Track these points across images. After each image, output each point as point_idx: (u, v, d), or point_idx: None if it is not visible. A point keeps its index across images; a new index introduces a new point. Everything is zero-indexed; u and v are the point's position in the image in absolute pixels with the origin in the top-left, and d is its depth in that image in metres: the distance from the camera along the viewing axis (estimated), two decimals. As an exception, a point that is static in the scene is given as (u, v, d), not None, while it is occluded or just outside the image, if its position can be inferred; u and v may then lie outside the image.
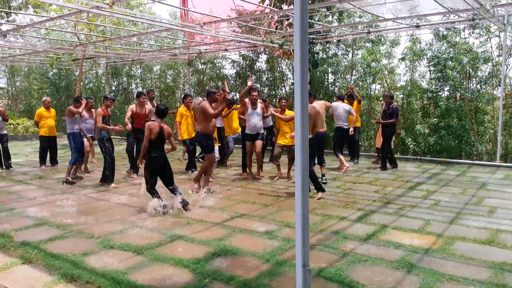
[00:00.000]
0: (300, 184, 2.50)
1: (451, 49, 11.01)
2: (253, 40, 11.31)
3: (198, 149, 8.90)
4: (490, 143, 11.01)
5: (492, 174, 8.99)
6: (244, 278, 3.71)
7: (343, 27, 11.61)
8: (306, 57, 2.46)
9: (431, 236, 4.86)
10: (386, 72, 12.47)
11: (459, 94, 11.26)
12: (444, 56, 11.09)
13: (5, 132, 10.08)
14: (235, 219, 5.63)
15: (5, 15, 20.04)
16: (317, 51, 12.90)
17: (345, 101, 10.12)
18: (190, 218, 5.68)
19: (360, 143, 11.90)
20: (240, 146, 9.84)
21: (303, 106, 2.48)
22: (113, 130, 7.91)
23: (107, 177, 7.92)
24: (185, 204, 6.11)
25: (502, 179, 8.44)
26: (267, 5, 7.67)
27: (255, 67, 14.94)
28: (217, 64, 16.15)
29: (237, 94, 14.87)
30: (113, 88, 19.13)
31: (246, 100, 8.53)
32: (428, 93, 11.64)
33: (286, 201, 6.66)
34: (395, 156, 10.14)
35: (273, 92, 14.68)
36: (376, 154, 11.06)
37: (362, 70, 12.79)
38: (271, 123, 9.90)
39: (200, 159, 9.88)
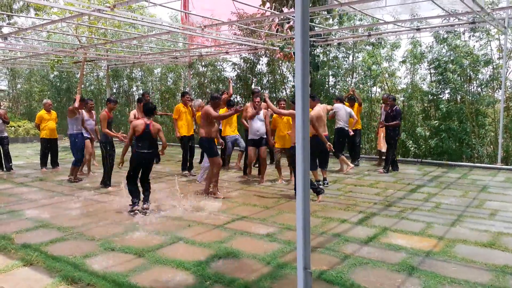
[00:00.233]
0: (301, 187, 2.50)
1: (451, 52, 11.03)
2: (254, 43, 11.33)
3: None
4: (491, 146, 11.00)
5: (493, 176, 8.98)
6: (245, 281, 3.70)
7: (344, 30, 11.63)
8: (307, 60, 2.47)
9: (432, 239, 4.85)
10: (386, 75, 12.48)
11: (459, 96, 11.26)
12: (444, 59, 11.10)
13: (5, 134, 10.09)
14: (236, 222, 5.63)
15: (7, 17, 20.11)
16: (317, 54, 12.92)
17: (346, 103, 10.14)
18: (191, 221, 5.68)
19: (361, 145, 11.90)
20: (237, 148, 9.84)
21: (304, 109, 2.48)
22: (118, 138, 7.76)
23: (105, 180, 7.94)
24: (144, 208, 6.13)
25: (503, 181, 8.43)
26: (268, 8, 7.67)
27: (256, 69, 14.95)
28: (218, 67, 16.18)
29: (238, 97, 14.91)
30: (114, 90, 19.15)
31: (249, 104, 8.53)
32: (429, 95, 11.64)
33: (287, 204, 6.65)
34: (396, 158, 10.13)
35: (274, 95, 14.68)
36: (378, 157, 11.07)
37: (362, 73, 12.80)
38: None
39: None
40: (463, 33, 11.16)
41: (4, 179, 8.99)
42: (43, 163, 10.18)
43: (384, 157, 10.78)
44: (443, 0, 7.57)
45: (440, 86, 11.39)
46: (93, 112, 9.10)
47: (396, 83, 12.63)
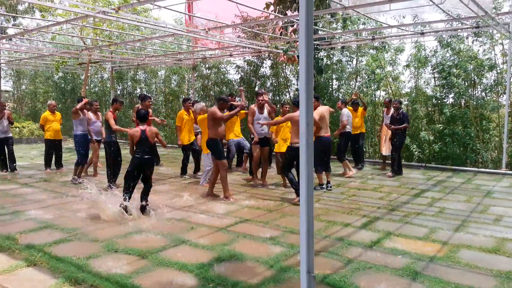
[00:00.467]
0: (305, 190, 2.50)
1: (455, 56, 11.01)
2: (258, 45, 11.35)
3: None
4: (496, 151, 10.96)
5: (497, 182, 8.94)
6: (248, 284, 3.70)
7: (347, 34, 11.64)
8: (311, 63, 2.47)
9: (436, 244, 4.83)
10: (390, 79, 12.47)
11: (463, 101, 11.23)
12: (448, 63, 11.09)
13: (10, 135, 10.13)
14: (239, 224, 5.63)
15: (12, 19, 20.22)
16: (321, 57, 12.93)
17: (348, 107, 10.14)
18: (194, 223, 5.68)
19: (364, 149, 11.88)
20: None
21: (308, 113, 2.48)
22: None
23: (112, 181, 7.94)
24: (142, 209, 6.19)
25: (508, 187, 8.39)
26: (272, 11, 7.68)
27: (260, 72, 14.98)
28: (222, 69, 16.21)
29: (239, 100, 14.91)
30: (118, 92, 19.22)
31: (252, 106, 8.53)
32: (433, 100, 11.62)
33: (290, 207, 6.64)
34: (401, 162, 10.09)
35: (277, 98, 14.71)
36: (382, 161, 11.04)
37: (366, 77, 12.80)
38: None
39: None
40: (467, 38, 11.14)
41: (9, 180, 9.03)
42: (48, 164, 10.22)
43: (387, 161, 10.78)
44: (447, 4, 7.57)
45: (444, 91, 11.37)
46: (99, 113, 9.11)
47: (400, 87, 12.62)
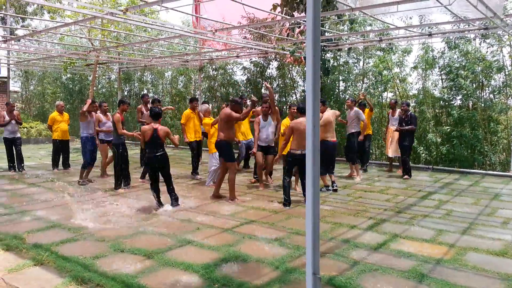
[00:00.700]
0: (311, 192, 2.50)
1: (463, 58, 10.94)
2: (264, 47, 11.36)
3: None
4: (504, 153, 10.86)
5: (505, 184, 8.86)
6: (254, 285, 3.70)
7: (354, 35, 11.61)
8: (318, 64, 2.46)
9: (443, 246, 4.80)
10: (398, 81, 12.41)
11: (471, 103, 11.15)
12: (456, 65, 11.02)
13: (18, 135, 10.23)
14: (244, 225, 5.63)
15: (21, 20, 20.42)
16: (328, 58, 12.90)
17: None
18: (200, 224, 5.69)
19: (371, 151, 11.83)
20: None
21: (315, 114, 2.48)
22: (136, 137, 7.80)
23: (118, 181, 7.98)
24: (173, 203, 6.58)
25: (516, 189, 8.32)
26: (279, 12, 7.66)
27: (266, 73, 14.98)
28: (228, 71, 16.23)
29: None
30: (125, 93, 19.32)
31: (258, 109, 8.51)
32: (441, 101, 11.55)
33: (296, 209, 6.63)
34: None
35: (284, 99, 14.70)
36: (388, 163, 11.00)
37: (373, 78, 12.75)
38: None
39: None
40: (474, 39, 11.07)
41: (16, 180, 9.10)
42: (55, 164, 10.31)
43: (394, 163, 10.73)
44: (455, 6, 7.52)
45: (452, 92, 11.30)
46: (109, 114, 9.11)
47: (407, 89, 12.56)
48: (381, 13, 8.44)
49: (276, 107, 8.58)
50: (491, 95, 11.12)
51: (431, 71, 11.89)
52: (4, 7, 17.65)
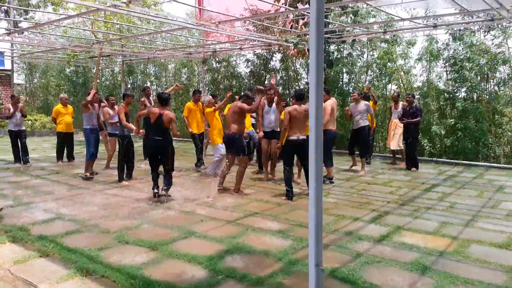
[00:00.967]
0: (313, 183, 2.50)
1: (467, 50, 10.85)
2: (268, 39, 11.31)
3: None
4: (508, 146, 10.81)
5: (509, 177, 8.83)
6: (257, 276, 3.72)
7: (359, 27, 11.52)
8: (321, 57, 2.45)
9: (446, 239, 4.80)
10: (402, 73, 12.34)
11: (476, 95, 11.08)
12: (461, 57, 10.94)
13: (23, 128, 10.28)
14: (248, 217, 5.65)
15: (24, 12, 20.41)
16: (332, 50, 12.83)
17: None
18: (204, 216, 5.72)
19: (375, 143, 11.81)
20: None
21: (318, 107, 2.47)
22: (138, 133, 7.83)
23: (121, 175, 8.01)
24: (160, 195, 6.59)
25: (520, 182, 8.29)
26: (283, 4, 7.63)
27: (269, 66, 14.93)
28: (232, 63, 16.19)
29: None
30: (129, 85, 19.33)
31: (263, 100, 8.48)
32: (445, 94, 11.49)
33: (299, 201, 6.65)
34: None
35: (287, 91, 14.66)
36: (392, 155, 10.98)
37: (378, 70, 12.68)
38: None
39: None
40: (478, 30, 10.97)
41: (21, 172, 9.16)
42: (59, 157, 10.35)
43: (397, 155, 10.70)
44: (461, -3, 7.45)
45: (456, 84, 11.23)
46: (116, 107, 9.08)
47: (411, 81, 12.49)
48: (385, 4, 8.37)
49: (283, 102, 8.59)
50: (496, 87, 11.04)
51: (436, 63, 11.81)
52: (7, -1, 17.65)
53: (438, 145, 11.34)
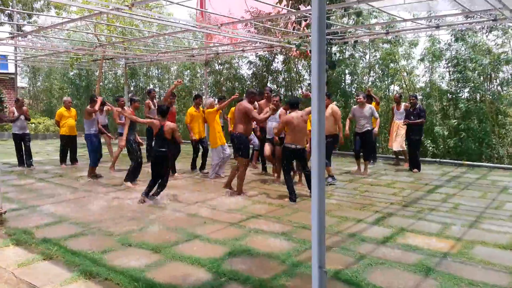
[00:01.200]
0: (316, 186, 2.50)
1: (470, 50, 10.82)
2: (270, 41, 11.32)
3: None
4: (512, 146, 10.78)
5: (513, 177, 8.80)
6: (260, 278, 3.72)
7: (361, 28, 11.52)
8: (323, 59, 2.45)
9: (450, 240, 4.79)
10: (404, 73, 12.33)
11: (479, 95, 11.05)
12: (464, 57, 10.91)
13: (28, 131, 10.33)
14: (251, 220, 5.65)
15: (28, 16, 20.53)
16: (334, 52, 12.83)
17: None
18: (206, 218, 5.72)
19: (378, 144, 11.78)
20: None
21: (320, 109, 2.47)
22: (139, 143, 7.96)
23: (130, 176, 8.05)
24: (151, 195, 6.65)
25: (524, 183, 8.25)
26: (284, 5, 7.62)
27: (272, 67, 14.95)
28: (234, 65, 16.21)
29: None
30: (132, 88, 19.38)
31: (261, 101, 8.47)
32: (448, 94, 11.46)
33: (302, 203, 6.64)
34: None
35: (290, 93, 14.66)
36: (394, 156, 10.95)
37: (380, 71, 12.66)
38: None
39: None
40: (481, 31, 10.94)
41: (25, 175, 9.20)
42: (63, 160, 10.39)
43: (400, 156, 10.68)
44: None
45: (459, 85, 11.20)
46: (125, 108, 9.08)
47: (414, 82, 12.46)
48: (387, 5, 8.36)
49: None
50: (499, 88, 11.01)
51: (438, 63, 11.79)
52: (11, 3, 17.75)
53: (441, 146, 11.31)
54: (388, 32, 10.76)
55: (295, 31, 10.48)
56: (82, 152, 12.02)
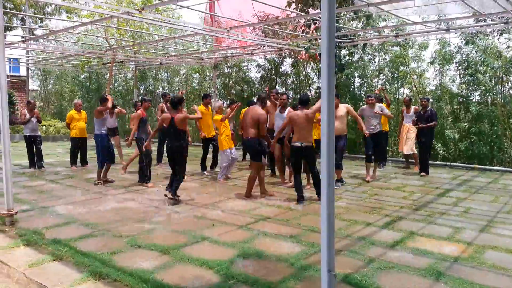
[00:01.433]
0: (325, 188, 2.49)
1: (481, 53, 10.71)
2: (279, 44, 11.33)
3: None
4: (524, 150, 10.64)
5: (525, 181, 8.68)
6: (269, 281, 3.71)
7: (370, 31, 11.48)
8: (333, 62, 2.45)
9: (461, 244, 4.73)
10: (415, 76, 12.25)
11: (490, 98, 10.94)
12: (475, 60, 10.81)
13: (39, 133, 10.43)
14: (259, 222, 5.64)
15: (39, 20, 20.78)
16: (343, 55, 12.80)
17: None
18: (215, 220, 5.73)
19: (388, 147, 11.70)
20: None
21: (330, 112, 2.46)
22: (145, 147, 7.93)
23: (143, 177, 8.10)
24: (169, 198, 6.68)
25: (537, 187, 8.13)
26: (293, 9, 7.63)
27: (281, 70, 14.96)
28: (243, 68, 16.25)
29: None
30: (141, 91, 19.52)
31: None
32: (458, 97, 11.36)
33: (311, 206, 6.62)
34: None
35: (298, 96, 14.64)
36: (404, 160, 10.88)
37: (390, 74, 12.60)
38: None
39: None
40: (493, 34, 10.84)
41: (36, 176, 9.29)
42: (73, 161, 10.48)
43: (410, 160, 10.60)
44: (473, 0, 7.38)
45: (470, 88, 11.10)
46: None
47: (424, 85, 12.38)
48: (396, 8, 8.32)
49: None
50: (511, 91, 10.88)
51: (449, 66, 11.70)
52: (23, 7, 18.00)
53: (452, 150, 11.21)
54: (398, 35, 10.71)
55: (304, 34, 10.48)
56: (92, 154, 12.11)
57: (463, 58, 11.17)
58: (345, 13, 10.05)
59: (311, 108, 6.87)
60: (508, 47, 10.64)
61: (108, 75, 16.42)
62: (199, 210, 6.32)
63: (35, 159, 10.26)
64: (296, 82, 14.92)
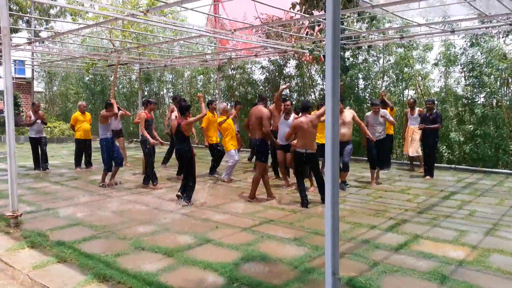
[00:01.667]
0: (330, 191, 2.48)
1: (486, 55, 10.66)
2: (283, 46, 11.33)
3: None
4: (530, 153, 10.57)
5: (531, 184, 8.62)
6: (272, 284, 3.70)
7: (375, 33, 11.45)
8: (337, 64, 2.44)
9: (466, 248, 4.70)
10: (419, 78, 12.20)
11: (495, 101, 10.87)
12: (480, 61, 10.75)
13: (44, 135, 10.47)
14: (263, 225, 5.63)
15: (44, 22, 20.90)
16: (347, 56, 12.78)
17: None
18: (219, 222, 5.72)
19: (392, 150, 11.65)
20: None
21: (334, 114, 2.46)
22: (152, 143, 7.99)
23: (148, 179, 8.11)
24: (180, 200, 6.82)
25: (543, 190, 8.07)
26: (298, 11, 7.61)
27: (284, 72, 14.95)
28: (247, 70, 16.26)
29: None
30: (145, 93, 19.57)
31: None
32: (463, 99, 11.31)
33: (314, 208, 6.60)
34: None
35: (302, 98, 14.63)
36: (409, 162, 10.83)
37: (394, 76, 12.57)
38: None
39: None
40: (498, 35, 10.78)
41: (41, 178, 9.33)
42: (78, 163, 10.51)
43: (415, 162, 10.55)
44: (479, 1, 7.34)
45: (475, 90, 11.04)
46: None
47: (429, 86, 12.33)
48: (400, 10, 8.29)
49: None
50: (517, 93, 10.82)
51: (453, 68, 11.65)
52: (28, 10, 18.11)
53: (457, 152, 11.14)
54: (402, 37, 10.68)
55: (308, 36, 10.47)
56: (97, 156, 12.15)
57: (468, 60, 11.11)
58: (349, 14, 10.02)
59: (315, 113, 6.90)
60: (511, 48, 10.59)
61: (112, 77, 16.47)
62: (203, 212, 6.32)
63: (40, 161, 10.30)
64: (300, 84, 14.90)
